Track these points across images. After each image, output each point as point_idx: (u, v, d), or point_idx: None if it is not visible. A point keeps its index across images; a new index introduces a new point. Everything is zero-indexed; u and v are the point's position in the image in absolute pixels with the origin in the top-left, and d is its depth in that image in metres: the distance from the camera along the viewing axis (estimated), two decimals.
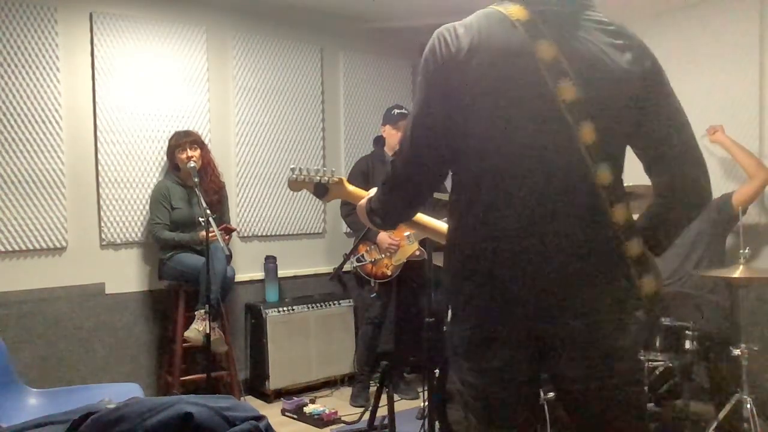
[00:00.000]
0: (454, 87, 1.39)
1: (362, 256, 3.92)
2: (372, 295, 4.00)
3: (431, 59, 1.42)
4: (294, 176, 1.88)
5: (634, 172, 1.59)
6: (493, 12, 1.42)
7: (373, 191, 1.65)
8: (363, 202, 1.66)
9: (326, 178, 1.89)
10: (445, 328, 1.47)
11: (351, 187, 1.91)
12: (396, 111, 4.06)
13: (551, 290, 1.34)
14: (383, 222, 1.61)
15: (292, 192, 4.64)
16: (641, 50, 1.40)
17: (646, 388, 2.81)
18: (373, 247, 3.92)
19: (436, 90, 1.42)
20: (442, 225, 1.78)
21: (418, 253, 3.86)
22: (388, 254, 3.91)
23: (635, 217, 1.47)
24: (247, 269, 4.34)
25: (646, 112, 1.39)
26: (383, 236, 3.86)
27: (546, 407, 2.63)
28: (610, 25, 1.41)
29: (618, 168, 1.39)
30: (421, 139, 1.44)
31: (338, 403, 4.05)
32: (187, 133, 3.85)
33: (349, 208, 3.98)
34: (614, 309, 1.36)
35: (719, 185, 3.60)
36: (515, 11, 1.39)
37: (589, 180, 1.34)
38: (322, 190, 1.89)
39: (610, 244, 1.36)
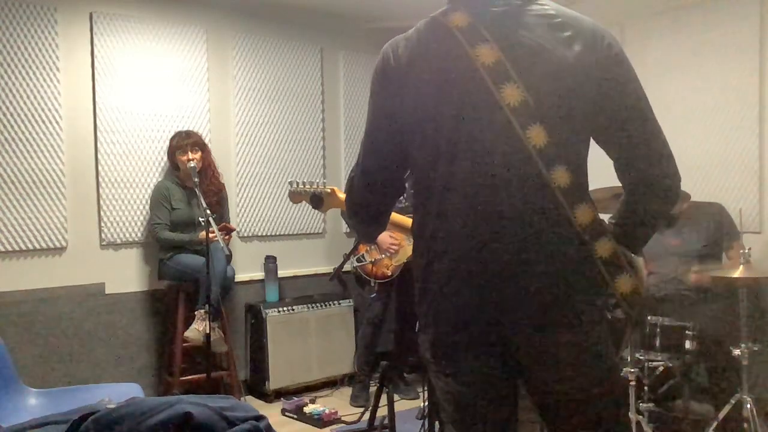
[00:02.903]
0: (397, 101, 1.40)
1: (362, 256, 3.92)
2: (372, 296, 4.00)
3: (375, 76, 1.45)
4: (292, 189, 1.97)
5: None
6: (434, 21, 1.40)
7: None
8: None
9: (319, 190, 1.95)
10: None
11: (342, 195, 1.95)
12: None
13: (512, 295, 1.31)
14: (359, 239, 1.64)
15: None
16: (593, 40, 1.33)
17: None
18: (373, 247, 3.92)
19: (382, 106, 1.44)
20: None
21: None
22: (388, 254, 3.91)
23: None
24: (247, 269, 4.34)
25: (602, 105, 1.33)
26: (384, 237, 3.86)
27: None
28: (557, 17, 1.34)
29: (578, 168, 1.34)
30: (372, 156, 1.48)
31: (338, 403, 4.05)
32: (188, 134, 3.84)
33: None
34: (581, 310, 1.32)
35: (713, 192, 3.60)
36: (456, 18, 1.36)
37: (543, 183, 1.29)
38: (317, 201, 1.96)
39: (574, 246, 1.32)
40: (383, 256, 3.91)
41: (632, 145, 1.36)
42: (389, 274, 3.95)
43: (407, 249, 3.88)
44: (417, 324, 1.48)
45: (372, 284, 3.98)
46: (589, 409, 1.36)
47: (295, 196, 1.99)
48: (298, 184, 1.98)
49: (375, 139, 1.47)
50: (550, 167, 1.29)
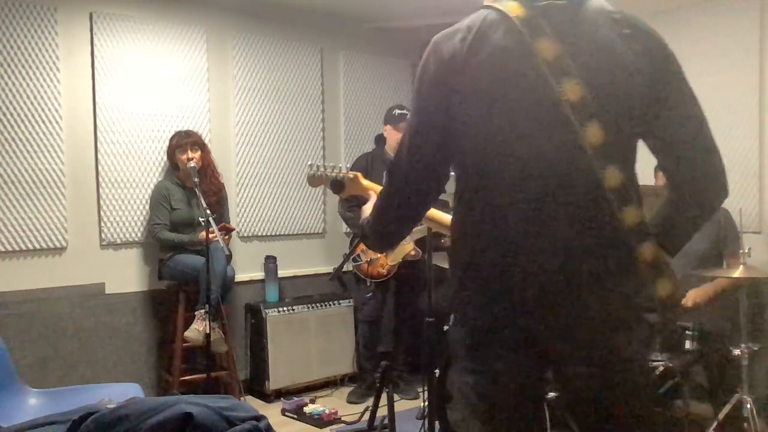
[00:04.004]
0: (451, 93, 1.34)
1: (358, 255, 3.92)
2: (368, 295, 4.00)
3: (427, 66, 1.39)
4: (312, 172, 1.92)
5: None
6: (491, 11, 1.36)
7: None
8: (367, 206, 1.66)
9: (342, 175, 1.92)
10: (446, 328, 1.46)
11: (366, 182, 1.94)
12: (397, 111, 4.06)
13: (554, 295, 1.29)
14: (375, 241, 1.57)
15: (292, 192, 4.65)
16: (650, 39, 1.32)
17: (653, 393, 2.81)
18: None
19: (434, 98, 1.38)
20: (447, 217, 1.77)
21: (413, 253, 3.87)
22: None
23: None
24: (247, 269, 4.34)
25: (657, 105, 1.32)
26: None
27: (546, 407, 2.62)
28: (616, 13, 1.32)
29: (629, 167, 1.33)
30: (419, 148, 1.41)
31: (338, 403, 4.05)
32: (188, 134, 3.85)
33: (347, 204, 3.98)
34: (622, 314, 1.32)
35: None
36: (513, 8, 1.32)
37: (596, 181, 1.27)
38: (338, 186, 1.92)
39: (620, 248, 1.30)
40: (379, 255, 3.91)
41: (688, 147, 1.35)
42: (384, 273, 3.95)
43: (403, 248, 3.88)
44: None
45: (368, 284, 3.98)
46: (623, 411, 1.35)
47: (315, 181, 1.93)
48: (318, 167, 1.91)
49: (425, 124, 1.40)
50: (603, 166, 1.27)
